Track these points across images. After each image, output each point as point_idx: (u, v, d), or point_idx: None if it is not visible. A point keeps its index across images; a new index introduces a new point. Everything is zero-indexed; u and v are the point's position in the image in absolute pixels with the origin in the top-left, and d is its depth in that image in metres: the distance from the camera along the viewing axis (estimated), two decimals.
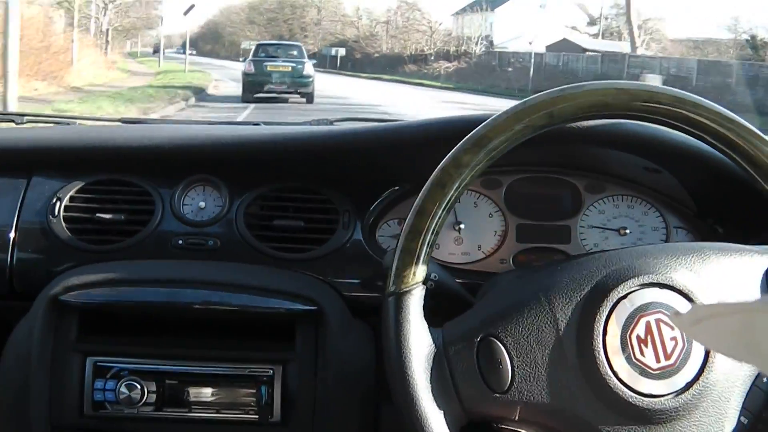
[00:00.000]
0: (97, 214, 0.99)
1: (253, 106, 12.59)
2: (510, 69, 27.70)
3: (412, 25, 40.08)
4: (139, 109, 10.39)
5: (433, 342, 0.69)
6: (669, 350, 0.66)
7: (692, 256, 0.70)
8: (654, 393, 0.66)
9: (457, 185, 0.70)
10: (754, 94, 16.43)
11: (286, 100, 14.46)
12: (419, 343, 0.68)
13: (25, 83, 12.11)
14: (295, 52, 15.50)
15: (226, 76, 22.76)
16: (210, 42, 65.09)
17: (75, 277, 0.91)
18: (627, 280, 0.67)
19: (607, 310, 0.67)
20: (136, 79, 18.91)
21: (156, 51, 27.87)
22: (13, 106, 6.46)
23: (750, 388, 0.69)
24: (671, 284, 0.67)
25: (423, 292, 0.71)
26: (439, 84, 27.44)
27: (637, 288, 0.67)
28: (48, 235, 0.98)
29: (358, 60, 40.10)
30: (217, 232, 1.00)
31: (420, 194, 0.71)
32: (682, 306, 0.67)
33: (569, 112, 0.71)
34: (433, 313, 0.72)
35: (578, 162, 1.04)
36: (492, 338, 0.68)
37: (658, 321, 0.66)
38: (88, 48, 18.98)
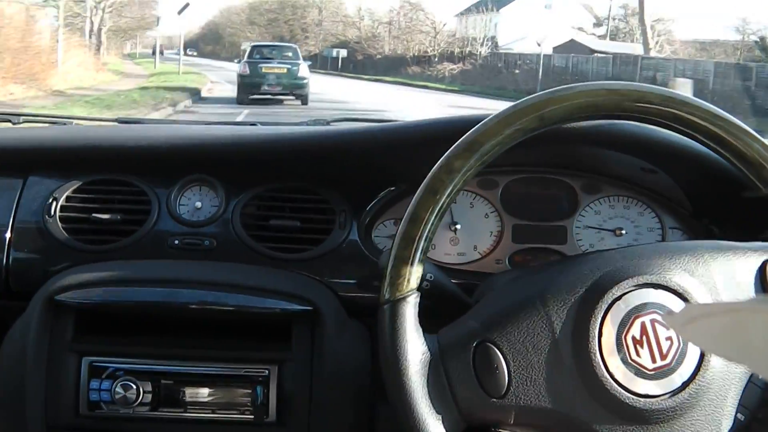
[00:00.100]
0: (94, 214, 0.99)
1: (246, 111, 11.86)
2: (517, 71, 27.07)
3: (415, 26, 39.45)
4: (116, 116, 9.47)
5: (429, 349, 0.69)
6: (664, 350, 0.66)
7: (686, 256, 0.70)
8: (650, 393, 0.66)
9: (449, 191, 0.71)
10: None
11: (281, 102, 14.47)
12: (415, 350, 0.69)
13: (0, 86, 11.36)
14: (290, 54, 15.57)
15: (223, 78, 22.09)
16: (211, 43, 65.00)
17: (71, 277, 0.91)
18: (621, 281, 0.68)
19: (602, 311, 0.67)
20: (126, 82, 18.17)
21: (155, 52, 27.40)
22: None
23: (746, 385, 0.69)
24: (666, 284, 0.68)
25: (417, 299, 0.71)
26: (444, 86, 26.70)
27: (632, 289, 0.68)
28: (44, 235, 0.98)
29: (360, 61, 39.46)
30: (213, 232, 1.00)
31: (412, 201, 0.71)
32: (677, 306, 0.67)
33: (560, 114, 0.71)
34: (428, 314, 0.72)
35: (574, 162, 1.04)
36: (488, 343, 0.68)
37: (653, 321, 0.66)
38: (76, 49, 18.11)
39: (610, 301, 0.67)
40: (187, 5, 22.55)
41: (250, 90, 14.12)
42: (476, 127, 0.71)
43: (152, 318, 0.92)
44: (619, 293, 0.67)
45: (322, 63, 39.10)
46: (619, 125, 0.88)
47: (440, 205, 0.70)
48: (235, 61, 17.87)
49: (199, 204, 1.01)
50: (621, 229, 1.02)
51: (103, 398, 0.87)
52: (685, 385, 0.66)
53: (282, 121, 1.57)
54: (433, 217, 0.70)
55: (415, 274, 0.70)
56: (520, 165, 1.03)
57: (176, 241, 0.98)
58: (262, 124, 1.27)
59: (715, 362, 0.66)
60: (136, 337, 0.91)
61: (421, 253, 0.70)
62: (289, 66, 14.33)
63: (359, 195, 1.02)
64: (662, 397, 0.65)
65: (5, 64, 11.72)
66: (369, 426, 0.93)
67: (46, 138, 1.10)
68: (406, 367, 0.67)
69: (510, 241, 1.03)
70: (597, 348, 0.66)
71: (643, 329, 0.66)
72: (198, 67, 29.56)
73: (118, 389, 0.86)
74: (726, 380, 0.67)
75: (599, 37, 39.53)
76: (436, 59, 34.68)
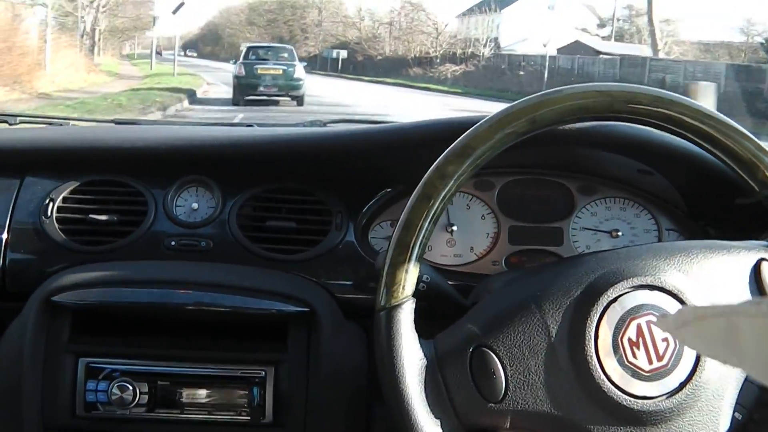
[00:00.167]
0: (90, 215, 0.99)
1: (242, 115, 11.29)
2: (522, 72, 26.46)
3: (416, 27, 38.86)
4: None
5: (426, 355, 0.69)
6: (661, 351, 0.66)
7: (680, 256, 0.70)
8: (647, 395, 0.66)
9: (442, 196, 0.71)
10: None
11: (277, 103, 14.41)
12: (412, 357, 0.69)
13: None
14: (285, 55, 15.54)
15: (220, 80, 21.39)
16: (210, 44, 64.53)
17: (67, 278, 0.91)
18: (616, 283, 0.68)
19: (598, 314, 0.67)
20: (118, 84, 17.55)
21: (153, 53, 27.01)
22: None
23: (743, 383, 0.69)
24: (661, 285, 0.68)
25: (413, 305, 0.71)
26: (446, 88, 26.12)
27: (627, 290, 0.68)
28: (41, 236, 0.98)
29: (360, 62, 38.85)
30: (209, 233, 1.00)
31: (406, 208, 0.71)
32: (673, 307, 0.67)
33: (552, 117, 0.71)
34: (425, 316, 0.72)
35: (571, 164, 1.04)
36: (484, 348, 0.68)
37: (648, 323, 0.66)
38: (66, 49, 17.49)
39: (605, 304, 0.67)
40: (182, 4, 22.02)
41: (245, 91, 14.13)
42: (468, 131, 0.71)
43: (149, 319, 0.93)
44: (614, 295, 0.67)
45: (321, 64, 38.59)
46: (615, 126, 0.89)
47: (434, 210, 0.70)
48: (231, 62, 17.46)
49: (195, 205, 1.02)
50: (617, 230, 1.03)
51: (99, 399, 0.87)
52: (682, 386, 0.66)
53: (279, 122, 1.55)
54: (427, 223, 0.70)
55: (410, 280, 0.70)
56: (516, 166, 1.04)
57: (173, 242, 0.98)
58: (259, 125, 1.26)
59: (711, 362, 0.66)
60: (132, 338, 0.91)
61: (416, 258, 0.70)
62: (285, 67, 14.41)
63: (356, 196, 1.02)
64: (659, 399, 0.66)
65: None
66: (365, 427, 0.93)
67: (42, 139, 1.11)
68: (403, 374, 0.67)
69: (506, 242, 1.03)
70: (593, 350, 0.66)
71: (639, 331, 0.66)
72: (195, 68, 29.07)
73: (115, 390, 0.87)
74: (723, 380, 0.67)
75: (603, 38, 38.98)
76: (438, 60, 34.09)
